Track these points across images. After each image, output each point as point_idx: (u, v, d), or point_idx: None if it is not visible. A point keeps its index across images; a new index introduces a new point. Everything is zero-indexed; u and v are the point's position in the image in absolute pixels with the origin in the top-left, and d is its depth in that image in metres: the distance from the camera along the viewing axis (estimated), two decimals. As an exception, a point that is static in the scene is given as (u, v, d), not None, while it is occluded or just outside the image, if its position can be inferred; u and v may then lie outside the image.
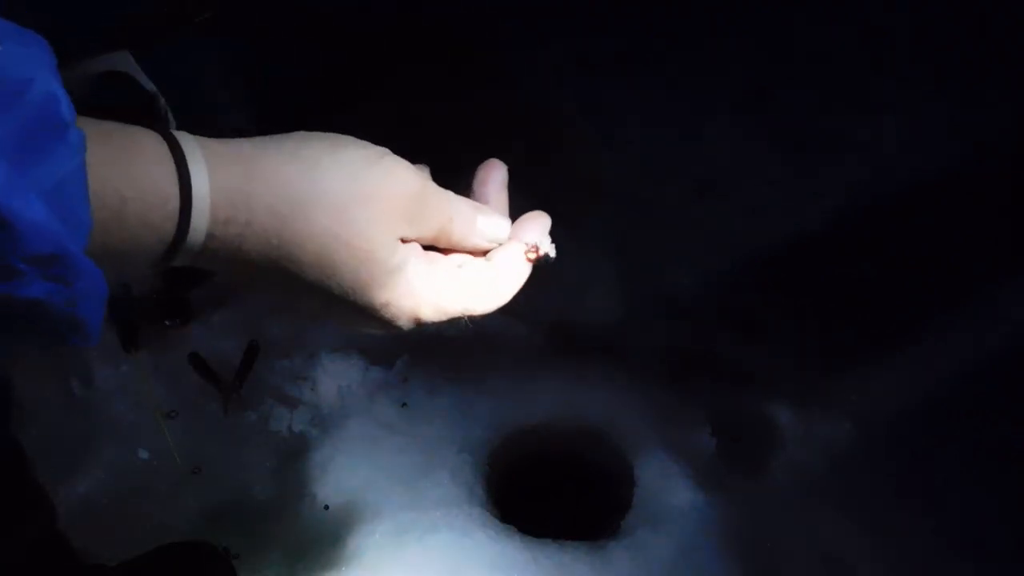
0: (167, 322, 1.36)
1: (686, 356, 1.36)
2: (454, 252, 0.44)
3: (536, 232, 0.46)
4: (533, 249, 0.45)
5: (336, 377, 1.34)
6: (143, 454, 1.23)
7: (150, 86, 0.76)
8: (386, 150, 0.41)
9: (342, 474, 1.21)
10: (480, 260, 0.44)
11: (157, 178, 0.33)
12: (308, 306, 0.41)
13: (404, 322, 0.42)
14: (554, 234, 0.48)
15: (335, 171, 0.37)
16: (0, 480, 0.87)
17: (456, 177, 0.47)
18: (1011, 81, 1.11)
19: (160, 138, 0.34)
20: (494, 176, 0.46)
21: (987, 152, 1.16)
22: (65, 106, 0.28)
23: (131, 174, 0.32)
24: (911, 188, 1.21)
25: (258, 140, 0.38)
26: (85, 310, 0.29)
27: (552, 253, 0.46)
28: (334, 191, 0.36)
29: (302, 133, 0.39)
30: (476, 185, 0.46)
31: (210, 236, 0.35)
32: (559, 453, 1.31)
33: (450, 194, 0.43)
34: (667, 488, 1.21)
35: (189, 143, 0.34)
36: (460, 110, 1.38)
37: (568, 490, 1.29)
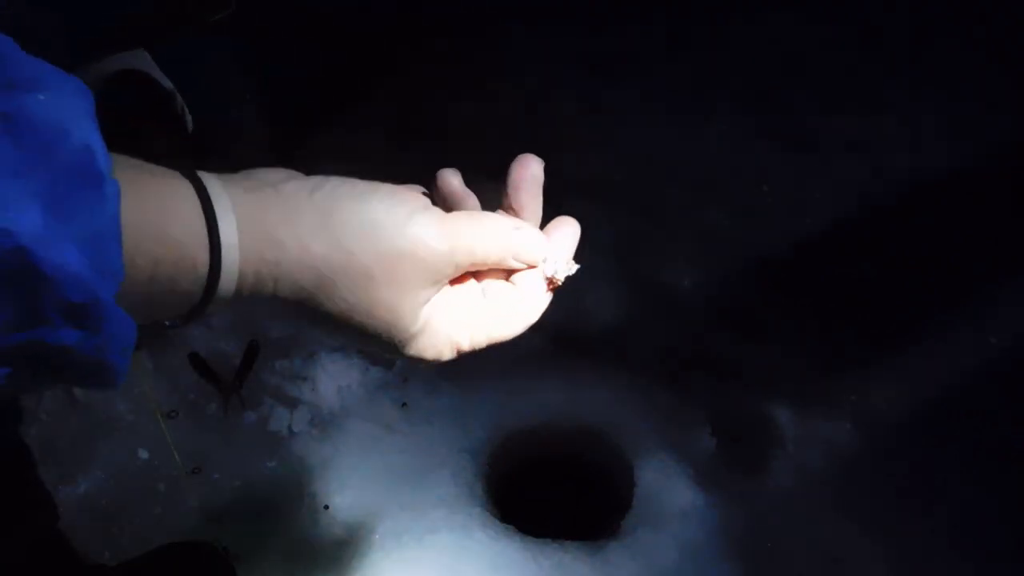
0: (167, 322, 1.36)
1: (686, 356, 1.36)
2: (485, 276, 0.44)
3: (567, 245, 0.44)
4: (552, 280, 0.43)
5: (336, 377, 1.34)
6: (143, 454, 1.24)
7: (168, 84, 0.76)
8: (418, 206, 0.39)
9: (342, 474, 1.21)
10: (504, 284, 0.43)
11: (188, 243, 0.33)
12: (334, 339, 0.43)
13: (429, 361, 0.43)
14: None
15: (362, 244, 0.37)
16: (0, 480, 0.87)
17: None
18: (1011, 81, 1.11)
19: (193, 192, 0.34)
20: (527, 176, 0.43)
21: (987, 152, 1.16)
22: (101, 157, 0.28)
23: (164, 237, 0.32)
24: (911, 188, 1.21)
25: (289, 193, 0.37)
26: (112, 356, 0.30)
27: (572, 271, 0.43)
28: (360, 266, 0.37)
29: (333, 184, 0.38)
30: (510, 188, 0.43)
31: (235, 302, 0.36)
32: (559, 453, 1.31)
33: (482, 231, 0.40)
34: (667, 488, 1.21)
35: (222, 203, 0.34)
36: (460, 110, 1.38)
37: (568, 490, 1.29)
